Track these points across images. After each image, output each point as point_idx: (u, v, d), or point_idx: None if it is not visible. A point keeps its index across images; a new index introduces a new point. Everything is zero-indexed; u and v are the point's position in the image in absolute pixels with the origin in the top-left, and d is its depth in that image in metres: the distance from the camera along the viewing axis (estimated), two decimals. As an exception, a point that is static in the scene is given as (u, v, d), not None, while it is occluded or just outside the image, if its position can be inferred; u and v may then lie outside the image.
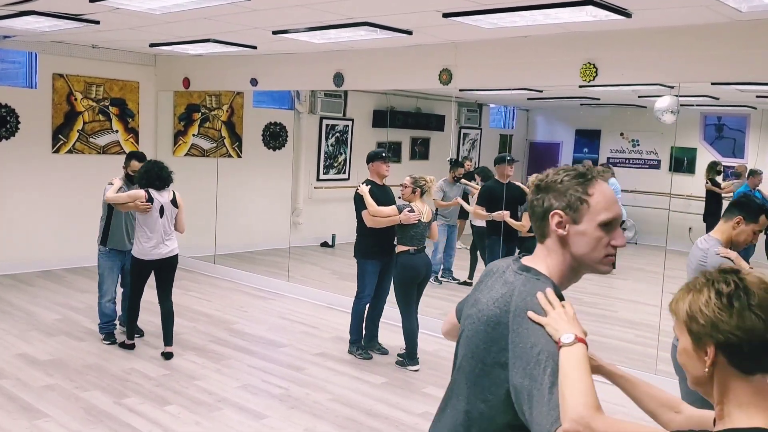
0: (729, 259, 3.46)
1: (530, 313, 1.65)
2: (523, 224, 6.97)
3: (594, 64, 5.55)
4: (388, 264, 5.94)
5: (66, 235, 8.60)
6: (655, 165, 11.27)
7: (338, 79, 7.48)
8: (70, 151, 8.74)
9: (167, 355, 5.74)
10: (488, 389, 1.74)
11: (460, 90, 9.90)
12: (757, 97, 8.81)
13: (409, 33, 6.07)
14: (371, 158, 6.08)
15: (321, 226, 10.79)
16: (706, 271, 1.47)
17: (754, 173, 9.43)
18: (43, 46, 8.29)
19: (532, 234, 6.42)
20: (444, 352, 6.06)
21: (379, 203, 5.81)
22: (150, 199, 5.61)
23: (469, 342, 1.83)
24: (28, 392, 4.85)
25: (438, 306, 7.06)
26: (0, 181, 8.23)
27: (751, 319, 1.35)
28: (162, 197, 5.69)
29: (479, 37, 6.06)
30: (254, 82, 8.40)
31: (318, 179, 10.97)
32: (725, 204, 10.03)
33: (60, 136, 8.65)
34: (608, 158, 12.14)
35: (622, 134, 12.05)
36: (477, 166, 10.66)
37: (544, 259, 1.80)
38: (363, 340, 6.11)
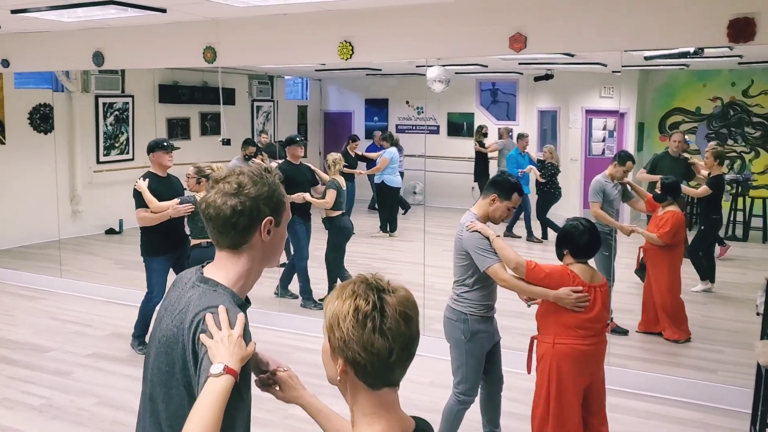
0: (479, 232, 3.66)
1: (202, 336, 1.62)
2: (327, 201, 6.62)
3: (350, 42, 5.62)
4: (180, 259, 5.55)
5: None
6: (435, 130, 11.86)
7: (98, 58, 6.98)
8: None
9: None
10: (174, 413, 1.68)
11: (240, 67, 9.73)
12: (519, 63, 9.48)
13: (163, 11, 5.78)
14: (151, 148, 5.59)
15: (105, 212, 10.09)
16: (359, 277, 1.49)
17: (522, 137, 10.18)
18: None
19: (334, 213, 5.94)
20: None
21: (163, 197, 5.43)
22: None
23: (153, 366, 1.75)
24: None
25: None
26: None
27: (379, 342, 1.39)
28: None
29: (237, 14, 5.91)
30: (5, 63, 7.63)
31: (98, 162, 10.24)
32: (492, 162, 10.87)
33: None
34: (396, 125, 12.57)
35: (407, 102, 12.51)
36: (274, 140, 10.56)
37: (231, 267, 1.72)
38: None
